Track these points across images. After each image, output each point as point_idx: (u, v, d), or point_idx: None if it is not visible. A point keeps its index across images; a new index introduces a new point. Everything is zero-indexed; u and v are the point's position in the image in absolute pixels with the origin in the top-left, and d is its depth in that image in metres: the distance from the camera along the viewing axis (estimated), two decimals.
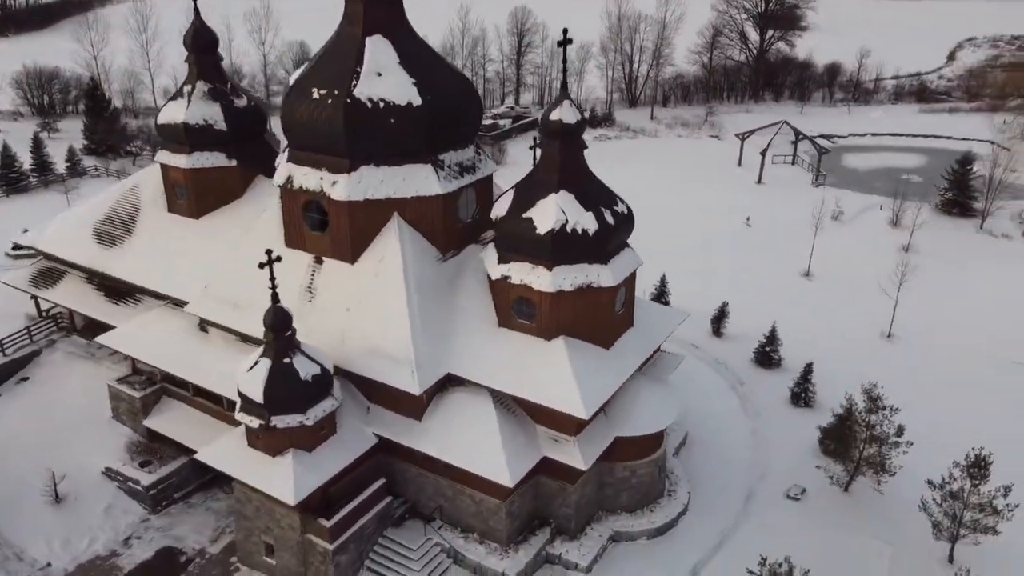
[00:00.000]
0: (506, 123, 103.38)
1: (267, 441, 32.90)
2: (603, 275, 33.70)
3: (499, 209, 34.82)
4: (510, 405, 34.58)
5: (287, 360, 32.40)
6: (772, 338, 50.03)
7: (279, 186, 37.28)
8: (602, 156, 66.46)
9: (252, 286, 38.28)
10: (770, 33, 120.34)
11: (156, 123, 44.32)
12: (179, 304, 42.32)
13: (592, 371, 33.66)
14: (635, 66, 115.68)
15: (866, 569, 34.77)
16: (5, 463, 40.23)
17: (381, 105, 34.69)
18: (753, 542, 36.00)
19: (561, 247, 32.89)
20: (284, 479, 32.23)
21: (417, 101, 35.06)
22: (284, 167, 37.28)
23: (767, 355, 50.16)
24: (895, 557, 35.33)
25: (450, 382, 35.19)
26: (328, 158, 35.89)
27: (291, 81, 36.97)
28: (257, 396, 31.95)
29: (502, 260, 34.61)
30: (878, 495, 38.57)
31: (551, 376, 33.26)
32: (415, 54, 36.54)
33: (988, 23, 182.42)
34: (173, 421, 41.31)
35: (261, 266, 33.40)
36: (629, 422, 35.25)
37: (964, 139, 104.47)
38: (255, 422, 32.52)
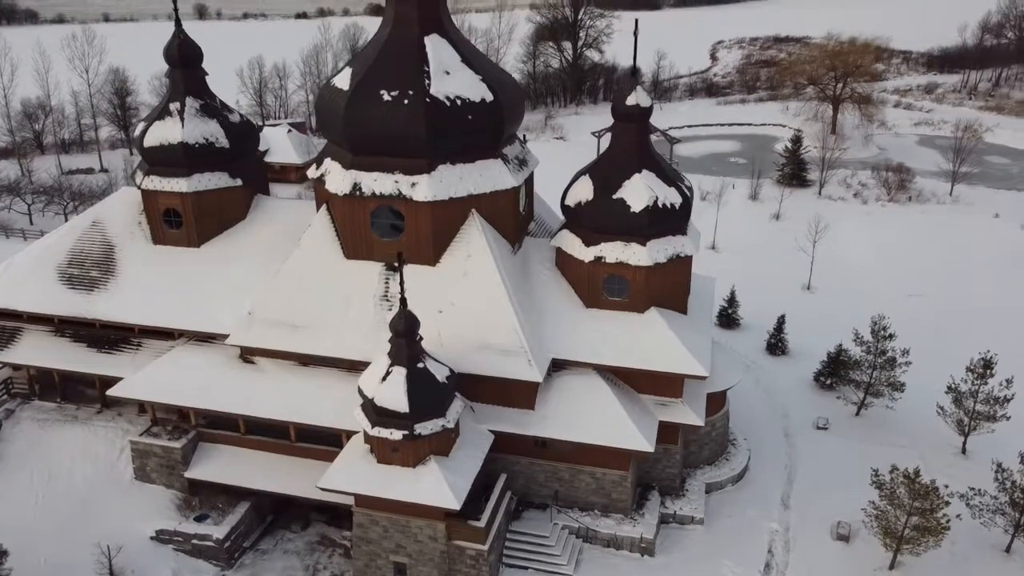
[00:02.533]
0: None
1: (408, 452, 31.77)
2: (687, 244, 36.47)
3: (579, 195, 36.30)
4: (614, 380, 36.15)
5: (421, 365, 31.59)
6: (731, 301, 55.63)
7: (344, 195, 35.75)
8: None
9: (309, 304, 36.76)
10: (580, 41, 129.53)
11: (141, 146, 40.02)
12: (205, 339, 38.89)
13: (687, 335, 36.24)
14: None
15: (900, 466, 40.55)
16: (36, 550, 34.53)
17: (458, 103, 34.84)
18: (812, 468, 40.91)
19: (654, 222, 35.18)
20: (437, 486, 31.38)
21: (489, 97, 35.63)
22: (345, 174, 35.85)
23: (730, 317, 55.60)
24: (922, 457, 41.58)
25: (552, 367, 35.98)
26: (402, 160, 35.24)
27: (344, 87, 35.56)
28: (400, 406, 30.84)
29: (590, 242, 36.05)
30: (886, 414, 44.87)
31: (658, 345, 35.38)
32: (469, 52, 36.97)
33: (728, 28, 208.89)
34: (222, 466, 37.87)
35: (393, 268, 32.79)
36: (714, 378, 38.20)
37: (763, 124, 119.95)
38: (396, 434, 31.28)
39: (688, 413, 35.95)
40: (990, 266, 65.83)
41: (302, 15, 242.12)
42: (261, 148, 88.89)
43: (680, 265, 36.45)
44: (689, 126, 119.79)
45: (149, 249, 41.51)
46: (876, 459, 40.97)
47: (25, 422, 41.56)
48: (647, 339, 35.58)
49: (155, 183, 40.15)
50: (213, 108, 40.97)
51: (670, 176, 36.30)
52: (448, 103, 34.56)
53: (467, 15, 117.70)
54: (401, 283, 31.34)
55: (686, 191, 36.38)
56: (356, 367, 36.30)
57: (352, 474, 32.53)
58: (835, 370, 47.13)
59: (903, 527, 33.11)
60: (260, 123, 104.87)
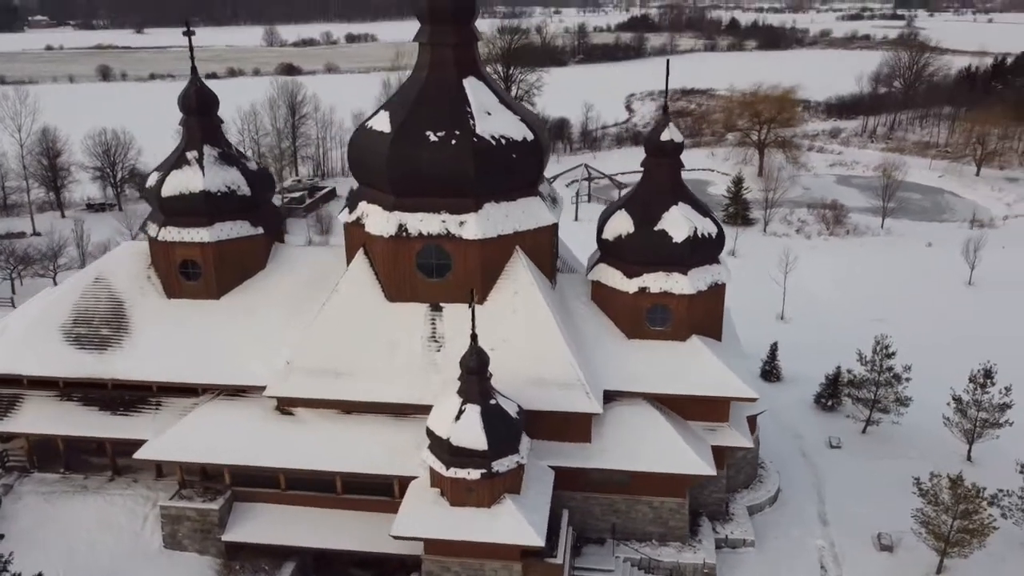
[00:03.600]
0: (302, 194, 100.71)
1: (484, 491, 31.23)
2: (722, 272, 37.83)
3: (619, 229, 37.22)
4: (663, 408, 36.73)
5: (493, 401, 31.36)
6: None
7: (388, 237, 35.42)
8: None
9: (352, 350, 36.10)
10: (514, 93, 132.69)
11: (159, 197, 38.55)
12: (235, 393, 37.36)
13: (730, 359, 37.36)
14: None
15: (909, 477, 42.41)
16: None
17: (503, 142, 35.40)
18: (838, 485, 42.47)
19: (695, 251, 36.42)
20: (517, 525, 30.92)
21: (530, 136, 36.39)
22: (389, 216, 35.60)
23: None
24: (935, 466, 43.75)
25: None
26: (447, 200, 35.34)
27: (385, 130, 35.51)
28: (479, 444, 30.42)
29: (632, 274, 36.90)
30: (891, 429, 47.08)
31: (705, 370, 36.31)
32: (502, 94, 37.71)
33: (635, 82, 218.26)
34: (263, 526, 36.11)
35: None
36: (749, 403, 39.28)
37: (692, 169, 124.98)
38: (474, 473, 30.75)
39: (737, 436, 36.83)
40: (940, 290, 70.56)
41: (212, 75, 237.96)
42: None
43: (717, 292, 37.69)
44: (623, 173, 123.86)
45: (163, 303, 39.72)
46: (891, 472, 43.13)
47: (28, 497, 38.48)
48: (694, 366, 36.45)
49: (173, 234, 38.69)
50: (231, 156, 40.09)
51: (703, 208, 37.76)
52: (494, 142, 35.05)
53: (404, 71, 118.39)
54: (472, 320, 31.18)
55: (719, 222, 37.88)
56: (404, 411, 35.70)
57: (425, 519, 31.63)
58: (835, 391, 49.22)
59: (950, 530, 34.68)
60: None
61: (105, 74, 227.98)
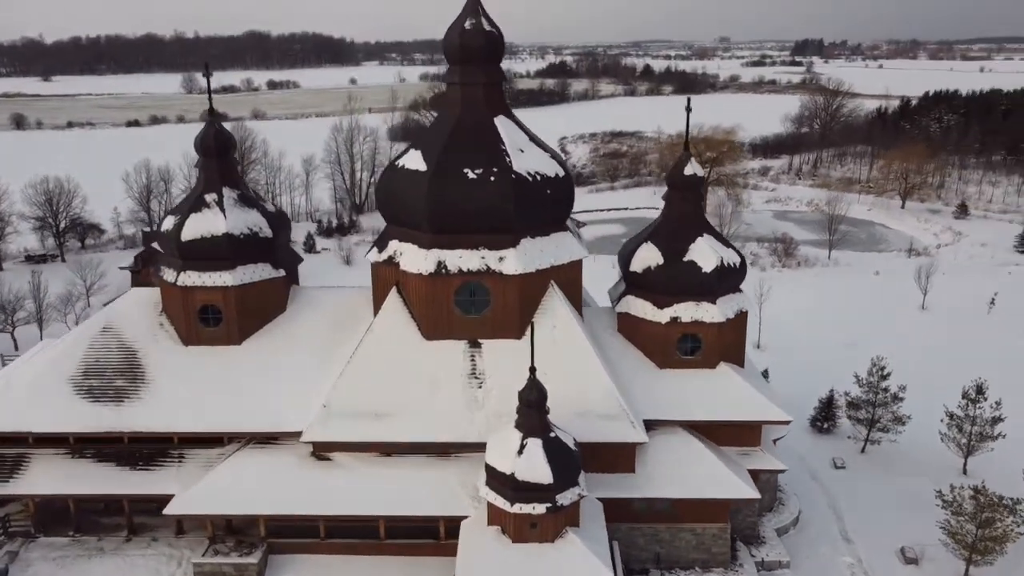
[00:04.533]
0: None
1: (548, 526, 31.03)
2: (744, 300, 39.15)
3: (647, 261, 38.14)
4: (699, 435, 37.44)
5: (553, 434, 31.40)
6: None
7: (428, 274, 35.32)
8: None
9: (391, 390, 35.73)
10: None
11: (177, 241, 37.38)
12: (264, 440, 36.21)
13: (758, 384, 38.54)
14: (358, 174, 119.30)
15: (916, 491, 44.38)
16: None
17: (539, 178, 36.02)
18: (851, 503, 43.87)
19: (722, 280, 37.64)
20: (584, 559, 30.71)
21: (561, 172, 37.18)
22: (427, 254, 35.56)
23: None
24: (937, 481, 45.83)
25: None
26: (486, 236, 35.59)
27: (421, 168, 35.61)
28: (544, 477, 30.32)
29: (663, 305, 37.77)
30: (888, 447, 49.06)
31: (738, 396, 37.31)
32: (529, 132, 38.43)
33: (566, 125, 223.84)
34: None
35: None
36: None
37: (637, 208, 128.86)
38: (539, 508, 30.56)
39: (770, 459, 37.82)
40: (898, 315, 74.31)
41: (134, 123, 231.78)
42: None
43: (741, 320, 38.91)
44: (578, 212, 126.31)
45: (181, 351, 38.30)
46: (898, 487, 44.94)
47: (38, 563, 36.04)
48: (726, 392, 37.39)
49: (193, 279, 37.52)
50: (250, 197, 39.36)
51: (724, 238, 39.14)
52: (530, 179, 35.62)
53: (362, 115, 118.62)
54: (532, 353, 31.27)
55: (741, 252, 39.30)
56: (446, 450, 35.34)
57: (489, 559, 31.09)
58: (831, 414, 51.07)
59: (975, 539, 36.30)
60: (149, 228, 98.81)
61: (19, 122, 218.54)
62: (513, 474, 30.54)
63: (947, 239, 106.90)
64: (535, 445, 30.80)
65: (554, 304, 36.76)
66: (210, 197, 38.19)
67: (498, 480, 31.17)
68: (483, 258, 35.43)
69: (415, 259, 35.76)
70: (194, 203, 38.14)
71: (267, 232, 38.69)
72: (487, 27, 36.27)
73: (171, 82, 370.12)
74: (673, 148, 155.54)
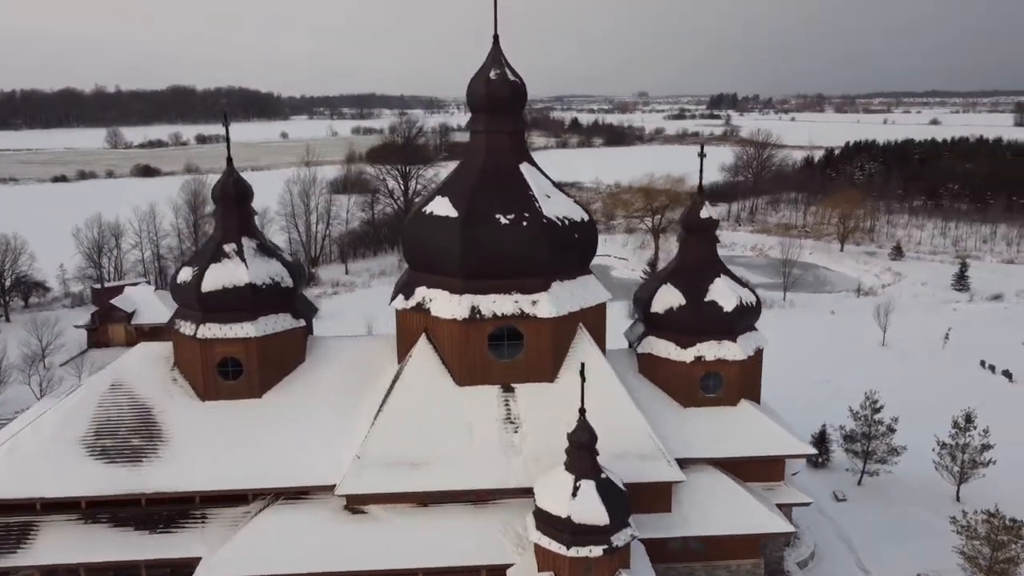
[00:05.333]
0: None
1: (603, 568, 30.84)
2: (760, 338, 40.36)
3: (669, 302, 39.02)
4: (729, 472, 38.05)
5: (604, 475, 31.48)
6: None
7: (462, 320, 35.27)
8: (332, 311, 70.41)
9: (426, 439, 35.41)
10: (412, 189, 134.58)
11: (197, 292, 36.36)
12: (293, 496, 35.12)
13: (778, 419, 39.53)
14: (314, 227, 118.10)
15: (918, 519, 46.03)
16: None
17: (567, 223, 36.68)
18: (860, 534, 45.05)
19: (741, 319, 38.79)
20: None
21: (585, 217, 38.00)
22: (460, 299, 35.57)
23: None
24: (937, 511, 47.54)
25: None
26: (517, 281, 35.88)
27: (451, 215, 35.82)
28: (600, 519, 30.28)
29: (685, 344, 38.60)
30: (884, 477, 50.69)
31: (761, 432, 38.20)
32: (550, 178, 39.19)
33: None
34: None
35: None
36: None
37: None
38: (596, 550, 30.42)
39: (795, 493, 38.66)
40: (861, 351, 77.35)
41: (61, 178, 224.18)
42: (126, 309, 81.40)
43: (758, 357, 40.03)
44: None
45: (198, 406, 36.97)
46: (900, 516, 46.50)
47: None
48: (749, 428, 38.23)
49: (213, 331, 36.46)
50: (268, 247, 38.74)
51: (739, 279, 40.44)
52: (559, 223, 36.24)
53: (319, 167, 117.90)
54: (582, 395, 31.45)
55: (755, 291, 40.63)
56: (484, 497, 34.96)
57: None
58: (824, 449, 52.54)
59: (991, 562, 37.73)
60: (99, 285, 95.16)
61: None
62: (569, 517, 30.37)
63: (888, 279, 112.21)
64: (589, 487, 30.77)
65: (584, 347, 37.11)
66: (229, 247, 37.42)
67: (552, 524, 30.92)
68: (516, 302, 35.64)
69: (448, 305, 35.69)
70: (213, 253, 37.27)
71: (288, 282, 38.05)
72: (511, 77, 37.12)
73: (94, 137, 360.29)
74: (614, 198, 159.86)
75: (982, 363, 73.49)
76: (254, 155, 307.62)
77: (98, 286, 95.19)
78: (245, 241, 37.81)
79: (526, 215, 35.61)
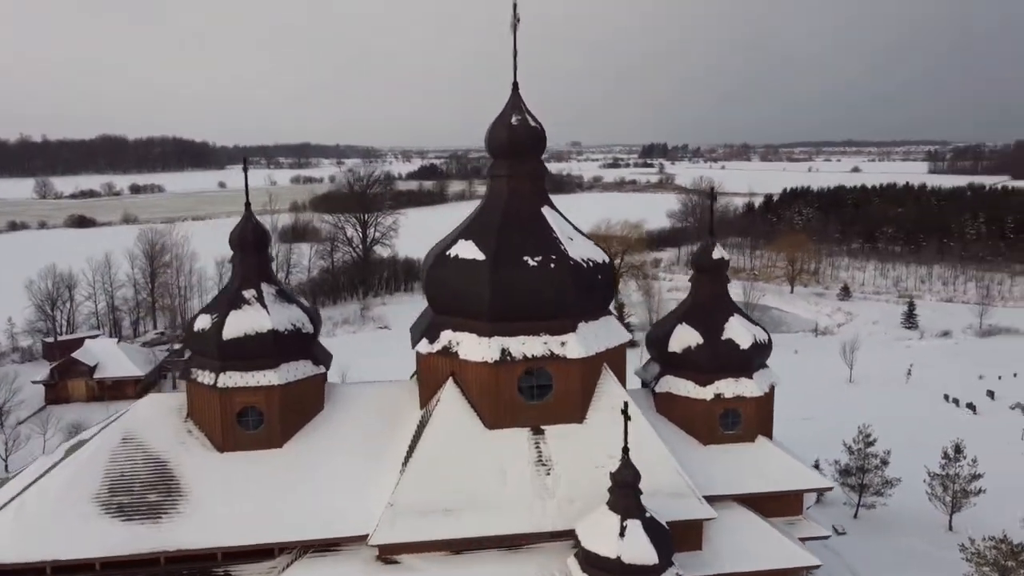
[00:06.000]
0: (177, 347, 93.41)
1: None
2: (773, 375, 41.37)
3: (686, 341, 39.73)
4: (751, 508, 38.53)
5: (648, 514, 31.59)
6: None
7: (492, 362, 35.20)
8: None
9: (459, 484, 35.01)
10: (370, 238, 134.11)
11: (218, 340, 35.42)
12: (322, 548, 34.10)
13: (794, 454, 40.38)
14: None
15: (916, 550, 47.34)
16: None
17: (591, 264, 37.23)
18: (867, 565, 46.03)
19: (757, 356, 39.76)
20: None
21: (606, 259, 38.61)
22: (490, 342, 35.52)
23: None
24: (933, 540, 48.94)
25: None
26: (545, 322, 36.07)
27: (478, 257, 35.95)
28: (650, 558, 30.32)
29: (704, 383, 39.27)
30: (880, 510, 52.00)
31: (781, 467, 38.91)
32: (568, 221, 39.81)
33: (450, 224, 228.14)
34: None
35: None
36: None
37: None
38: None
39: (815, 527, 39.33)
40: (831, 387, 79.74)
41: None
42: (88, 363, 78.35)
43: (771, 393, 40.96)
44: None
45: (217, 458, 35.71)
46: (901, 546, 47.66)
47: None
48: (770, 463, 38.90)
49: (235, 379, 35.48)
50: (287, 293, 38.15)
51: (750, 317, 41.52)
52: (585, 265, 36.75)
53: (273, 215, 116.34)
54: (625, 435, 31.65)
55: (766, 329, 41.75)
56: (519, 542, 34.54)
57: None
58: None
59: None
60: (52, 339, 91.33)
61: None
62: (619, 558, 30.28)
63: (841, 319, 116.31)
64: (636, 526, 30.80)
65: (610, 387, 37.38)
66: (248, 293, 36.69)
67: (600, 566, 30.76)
68: (546, 343, 35.79)
69: (477, 348, 35.59)
70: (232, 300, 36.45)
71: (309, 328, 37.44)
72: (532, 123, 37.86)
73: (21, 187, 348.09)
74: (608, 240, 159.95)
75: (946, 397, 76.50)
76: (192, 205, 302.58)
77: (50, 339, 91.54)
78: (265, 287, 37.14)
79: (553, 257, 36.01)
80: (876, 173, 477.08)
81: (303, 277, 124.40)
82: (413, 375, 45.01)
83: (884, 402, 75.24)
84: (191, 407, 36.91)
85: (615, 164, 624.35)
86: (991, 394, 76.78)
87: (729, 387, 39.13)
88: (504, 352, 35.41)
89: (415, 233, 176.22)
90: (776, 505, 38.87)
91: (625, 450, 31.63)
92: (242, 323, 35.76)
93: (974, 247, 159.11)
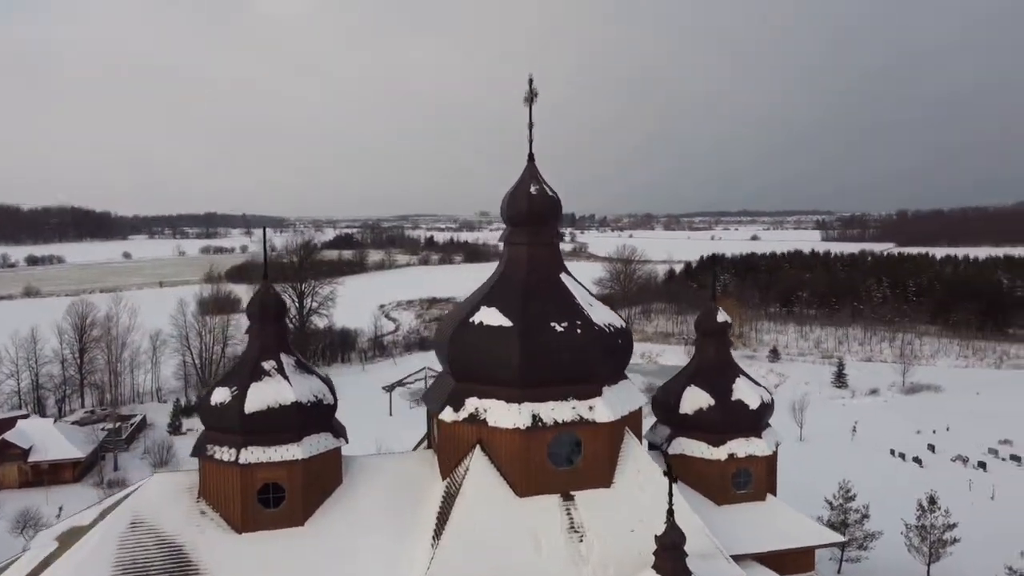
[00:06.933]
0: (118, 426, 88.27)
1: None
2: (777, 434, 42.78)
3: (698, 403, 40.82)
4: (767, 567, 39.24)
5: (692, 574, 31.85)
6: None
7: (524, 429, 35.15)
8: None
9: (494, 554, 34.62)
10: (307, 308, 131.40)
11: (240, 415, 34.08)
12: None
13: (802, 511, 41.58)
14: (209, 349, 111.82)
15: None
16: None
17: (613, 329, 38.04)
18: None
19: (764, 416, 41.15)
20: None
21: (623, 324, 39.51)
22: (520, 408, 35.52)
23: None
24: None
25: None
26: (572, 387, 36.43)
27: (504, 324, 36.19)
28: None
29: (717, 443, 40.26)
30: (861, 565, 53.65)
31: (793, 525, 39.99)
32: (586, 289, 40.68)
33: (375, 295, 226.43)
34: None
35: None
36: None
37: None
38: None
39: None
40: (784, 446, 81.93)
41: None
42: (22, 445, 73.37)
43: (776, 453, 42.27)
44: (432, 373, 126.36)
45: (235, 540, 33.94)
46: None
47: None
48: (783, 521, 39.91)
49: (257, 455, 34.11)
50: (306, 364, 37.18)
51: (752, 378, 43.03)
52: (607, 330, 37.51)
53: (218, 284, 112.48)
54: (670, 495, 31.97)
55: (769, 390, 43.31)
56: None
57: None
58: None
59: None
60: None
61: None
62: None
63: (774, 380, 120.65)
64: None
65: (634, 450, 37.78)
66: (269, 364, 35.59)
67: None
68: (574, 408, 36.06)
69: (507, 414, 35.50)
70: (252, 372, 35.27)
71: (329, 399, 36.51)
72: (549, 192, 38.91)
73: None
74: None
75: (892, 452, 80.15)
76: (98, 276, 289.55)
77: None
78: (284, 357, 36.14)
79: (578, 322, 36.62)
80: (774, 241, 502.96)
81: (237, 349, 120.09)
82: (419, 444, 44.38)
83: (837, 458, 78.06)
84: (205, 486, 35.12)
85: None
86: (932, 448, 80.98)
87: (741, 447, 40.20)
88: (535, 418, 35.46)
89: (347, 303, 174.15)
90: (790, 562, 39.70)
91: (670, 512, 31.89)
92: (265, 396, 34.60)
93: (882, 309, 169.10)
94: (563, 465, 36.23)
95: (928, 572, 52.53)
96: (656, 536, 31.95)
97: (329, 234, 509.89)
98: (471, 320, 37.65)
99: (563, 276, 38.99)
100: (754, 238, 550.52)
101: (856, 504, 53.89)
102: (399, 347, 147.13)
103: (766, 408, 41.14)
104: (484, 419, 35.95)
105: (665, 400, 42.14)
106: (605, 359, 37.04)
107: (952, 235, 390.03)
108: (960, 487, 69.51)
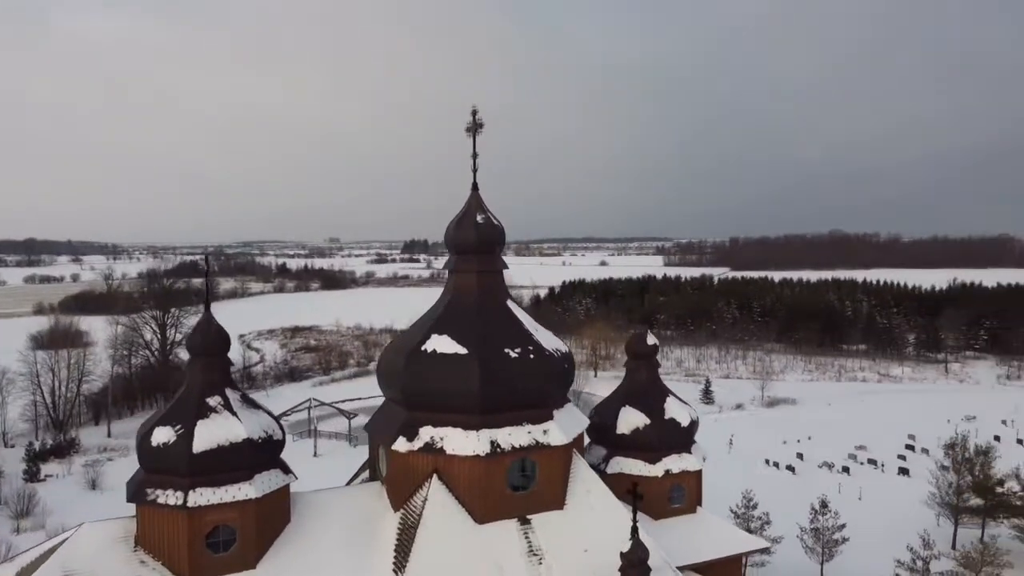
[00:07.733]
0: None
1: None
2: (702, 448, 45.21)
3: (634, 422, 42.55)
4: None
5: None
6: None
7: (483, 455, 35.35)
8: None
9: None
10: (170, 340, 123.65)
11: (188, 455, 32.07)
12: None
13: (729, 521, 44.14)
14: (61, 388, 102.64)
15: None
16: None
17: (560, 354, 39.08)
18: None
19: (692, 433, 43.50)
20: None
21: (567, 349, 40.64)
22: (478, 435, 35.71)
23: None
24: None
25: None
26: (526, 412, 37.07)
27: (459, 351, 36.32)
28: None
29: (653, 460, 42.09)
30: (763, 569, 57.29)
31: (723, 533, 42.49)
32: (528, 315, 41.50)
33: (233, 324, 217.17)
34: None
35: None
36: None
37: (371, 396, 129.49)
38: None
39: None
40: (715, 459, 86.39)
41: None
42: None
43: (701, 468, 44.69)
44: (344, 401, 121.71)
45: None
46: None
47: None
48: (714, 531, 42.24)
49: (207, 496, 32.22)
50: (251, 399, 35.54)
51: (678, 397, 45.36)
52: (556, 355, 38.48)
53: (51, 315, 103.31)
54: (635, 513, 33.19)
55: (693, 408, 45.79)
56: None
57: None
58: None
59: None
60: None
61: None
62: None
63: None
64: None
65: (582, 471, 38.76)
66: (214, 400, 33.77)
67: None
68: (530, 432, 36.61)
69: (466, 442, 35.53)
70: (197, 409, 33.33)
71: (279, 434, 35.04)
72: (495, 221, 39.61)
73: None
74: (366, 338, 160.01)
75: (767, 461, 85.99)
76: None
77: None
78: (230, 393, 34.42)
79: (530, 348, 37.33)
80: (622, 265, 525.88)
81: (93, 386, 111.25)
82: (355, 477, 43.44)
83: (719, 470, 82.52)
84: (143, 533, 32.69)
85: (382, 259, 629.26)
86: (800, 456, 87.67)
87: (675, 463, 42.23)
88: (493, 444, 35.71)
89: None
90: (722, 570, 41.97)
91: (634, 529, 33.11)
92: (213, 434, 32.78)
93: (733, 330, 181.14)
94: (520, 489, 36.65)
95: (822, 571, 56.89)
96: (622, 552, 33.10)
97: (170, 262, 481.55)
98: (423, 348, 37.47)
99: (509, 303, 39.67)
100: (603, 263, 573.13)
101: (758, 512, 57.54)
102: (269, 378, 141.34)
103: (694, 425, 43.48)
104: (441, 447, 35.80)
105: (601, 421, 43.54)
106: (556, 383, 37.96)
107: (778, 260, 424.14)
108: (829, 490, 75.63)
